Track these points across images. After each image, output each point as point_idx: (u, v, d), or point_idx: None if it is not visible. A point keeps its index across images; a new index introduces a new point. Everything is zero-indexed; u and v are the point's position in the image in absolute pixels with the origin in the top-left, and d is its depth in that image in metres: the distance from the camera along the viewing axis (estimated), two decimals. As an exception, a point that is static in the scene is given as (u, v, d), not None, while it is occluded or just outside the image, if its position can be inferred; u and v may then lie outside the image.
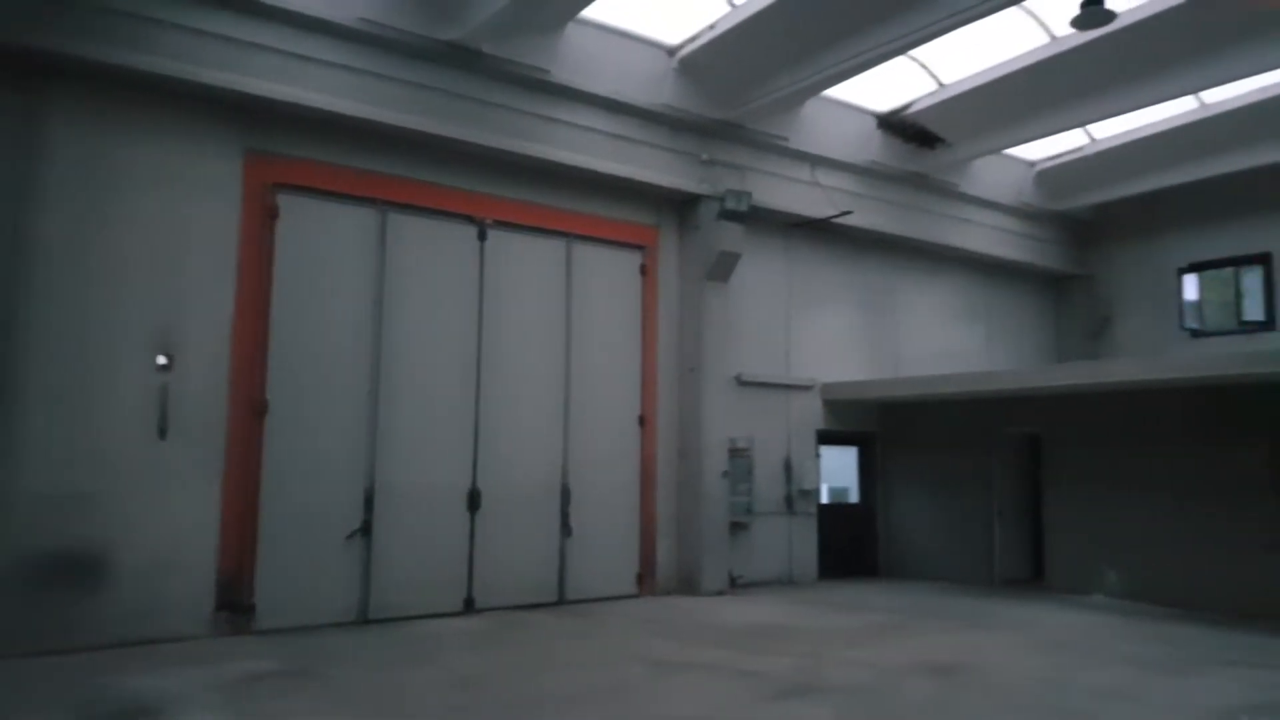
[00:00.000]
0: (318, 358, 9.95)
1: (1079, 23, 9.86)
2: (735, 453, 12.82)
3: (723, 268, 12.65)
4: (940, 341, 15.82)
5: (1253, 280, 15.27)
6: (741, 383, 13.30)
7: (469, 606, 10.58)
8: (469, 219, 11.08)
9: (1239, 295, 15.45)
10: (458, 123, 10.56)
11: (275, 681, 7.34)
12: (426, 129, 10.35)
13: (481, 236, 11.12)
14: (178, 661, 7.86)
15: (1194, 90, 12.90)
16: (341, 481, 9.97)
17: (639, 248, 12.58)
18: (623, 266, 12.44)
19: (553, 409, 11.58)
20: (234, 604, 9.20)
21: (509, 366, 11.21)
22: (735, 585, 12.57)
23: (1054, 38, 12.16)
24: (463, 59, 10.51)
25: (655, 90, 12.04)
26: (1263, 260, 15.10)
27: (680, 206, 12.84)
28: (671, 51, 12.16)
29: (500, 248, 11.29)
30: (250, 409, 9.47)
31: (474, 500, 10.75)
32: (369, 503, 10.06)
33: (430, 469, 10.52)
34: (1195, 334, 15.90)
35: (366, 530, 10.01)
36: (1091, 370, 12.89)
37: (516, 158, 11.10)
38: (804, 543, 13.76)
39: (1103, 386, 11.98)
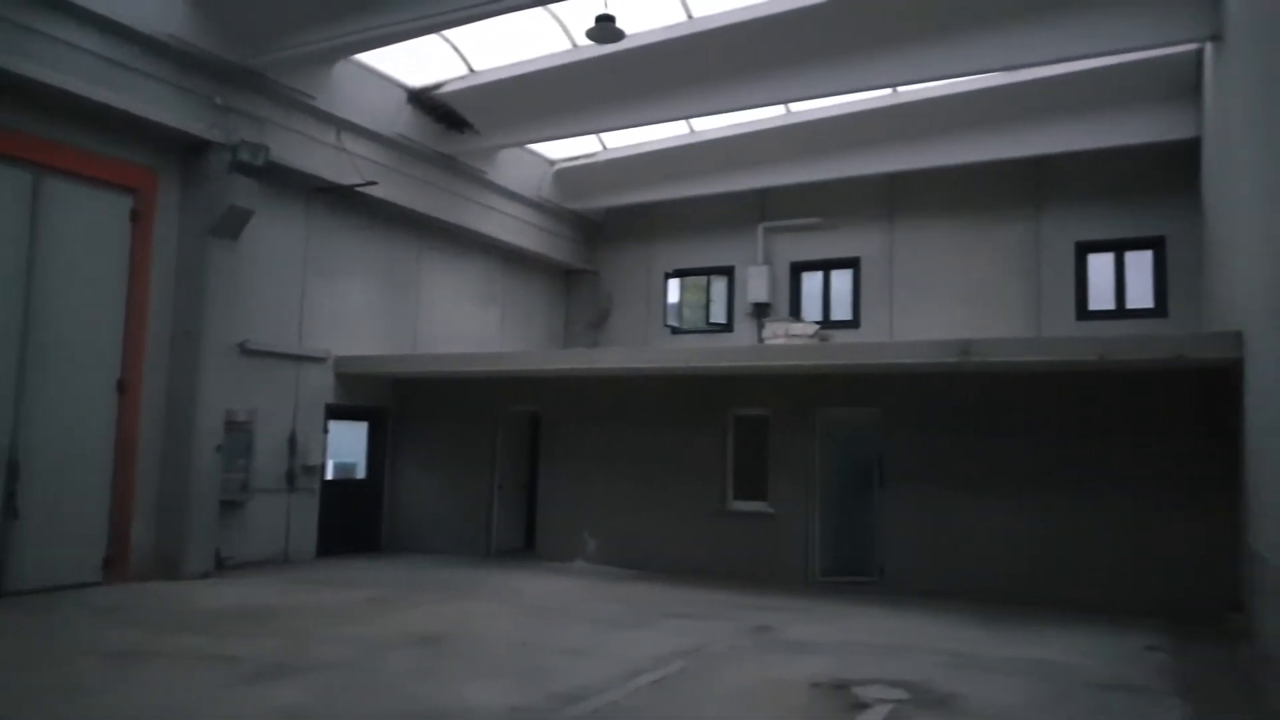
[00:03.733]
0: None
1: (593, 35, 10.72)
2: (233, 426, 11.96)
3: (231, 224, 11.69)
4: (458, 321, 16.26)
5: (719, 289, 17.92)
6: (246, 351, 12.43)
7: None
8: (-108, 128, 8.94)
9: (709, 300, 18.04)
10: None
11: None
12: None
13: (-90, 152, 9.05)
14: None
15: (688, 116, 14.71)
16: None
17: (130, 191, 11.14)
18: (108, 210, 10.92)
19: (1, 370, 9.80)
20: None
21: (-57, 314, 9.27)
22: (223, 566, 11.72)
23: (575, 45, 13.07)
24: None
25: (162, 17, 10.74)
26: (727, 272, 17.78)
27: (186, 152, 11.61)
28: (184, -22, 10.97)
29: (-62, 169, 9.28)
30: None
31: (-121, 475, 8.73)
32: None
33: None
34: (675, 331, 18.23)
35: None
36: (586, 356, 14.17)
37: (-32, 65, 9.21)
38: (304, 520, 13.27)
39: (595, 372, 13.23)
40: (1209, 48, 11.13)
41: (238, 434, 12.03)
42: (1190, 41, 11.30)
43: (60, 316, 10.32)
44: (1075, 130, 13.67)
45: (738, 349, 14.83)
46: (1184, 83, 12.52)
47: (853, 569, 12.10)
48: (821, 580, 12.11)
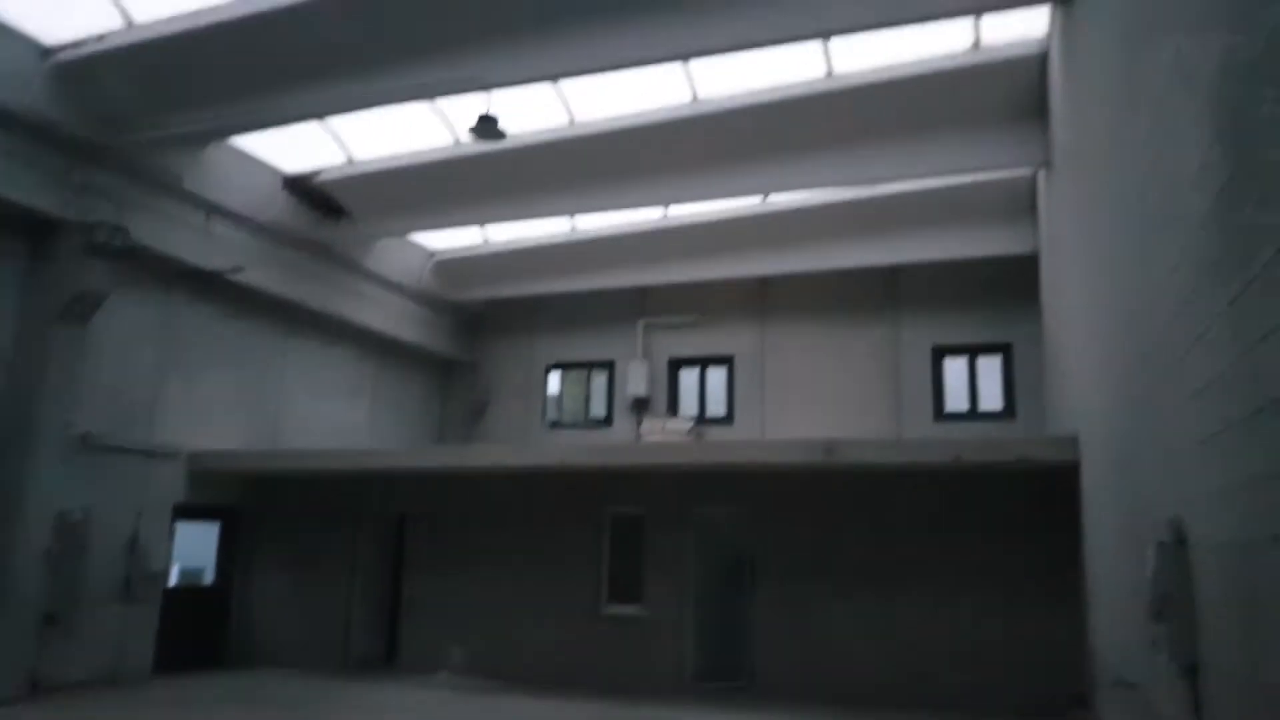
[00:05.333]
0: None
1: (476, 132, 10.79)
2: (66, 528, 10.87)
3: (81, 309, 11.02)
4: (326, 415, 15.58)
5: (600, 382, 17.92)
6: (88, 445, 11.50)
7: None
8: None
9: (589, 394, 18.00)
10: None
11: None
12: None
13: None
14: None
15: (569, 213, 14.88)
16: None
17: (-36, 271, 10.41)
18: (-63, 291, 10.15)
19: None
20: None
21: None
22: (39, 690, 10.48)
23: (458, 140, 13.09)
24: None
25: (18, 89, 10.24)
26: (608, 366, 17.82)
27: (33, 230, 10.94)
28: (46, 51, 10.53)
29: None
30: None
31: None
32: None
33: None
34: (555, 424, 18.03)
35: None
36: (456, 454, 13.77)
37: None
38: (140, 633, 12.09)
39: (466, 471, 12.85)
40: (1041, 173, 12.14)
41: (70, 537, 10.91)
42: (1024, 167, 12.31)
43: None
44: (928, 242, 14.48)
45: (613, 447, 14.73)
46: (1022, 203, 13.50)
47: (726, 673, 11.91)
48: (695, 685, 11.89)
